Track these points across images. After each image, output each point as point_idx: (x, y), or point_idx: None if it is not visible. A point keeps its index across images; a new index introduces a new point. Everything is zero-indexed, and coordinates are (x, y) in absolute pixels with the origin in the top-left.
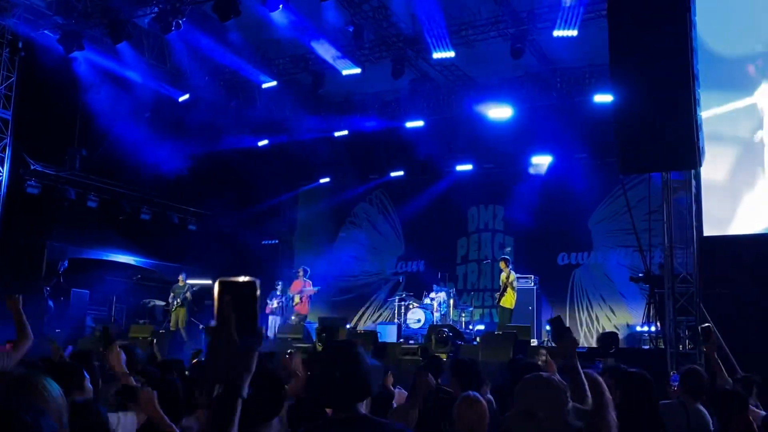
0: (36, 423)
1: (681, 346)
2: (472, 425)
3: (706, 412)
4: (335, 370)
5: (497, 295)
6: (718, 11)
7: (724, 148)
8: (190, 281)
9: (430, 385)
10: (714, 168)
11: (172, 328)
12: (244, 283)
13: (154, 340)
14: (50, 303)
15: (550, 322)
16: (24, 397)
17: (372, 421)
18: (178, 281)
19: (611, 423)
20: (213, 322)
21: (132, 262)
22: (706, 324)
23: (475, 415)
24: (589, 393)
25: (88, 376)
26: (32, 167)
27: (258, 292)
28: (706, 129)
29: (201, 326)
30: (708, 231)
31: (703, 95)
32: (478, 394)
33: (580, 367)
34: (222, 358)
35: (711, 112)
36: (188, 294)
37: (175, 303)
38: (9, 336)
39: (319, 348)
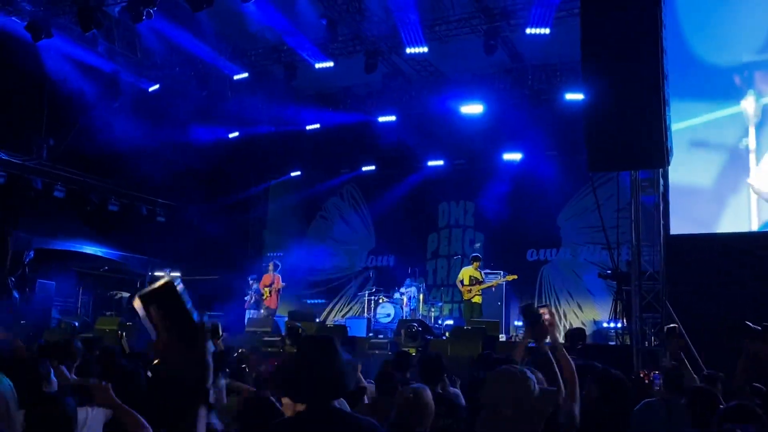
0: None
1: (647, 343)
2: (409, 415)
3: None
4: (312, 365)
5: (469, 288)
6: (707, 22)
7: (711, 155)
8: (158, 273)
9: None
10: (701, 173)
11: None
12: (161, 287)
13: (123, 333)
14: (15, 294)
15: (522, 309)
16: None
17: (345, 416)
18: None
19: (575, 413)
20: (153, 336)
21: (99, 254)
22: (672, 324)
23: (411, 406)
24: (560, 378)
25: (52, 370)
26: None
27: (179, 287)
28: (694, 136)
29: None
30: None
31: (692, 103)
32: (422, 386)
33: (552, 353)
34: (177, 365)
35: (699, 119)
36: None
37: None
38: None
39: (288, 343)
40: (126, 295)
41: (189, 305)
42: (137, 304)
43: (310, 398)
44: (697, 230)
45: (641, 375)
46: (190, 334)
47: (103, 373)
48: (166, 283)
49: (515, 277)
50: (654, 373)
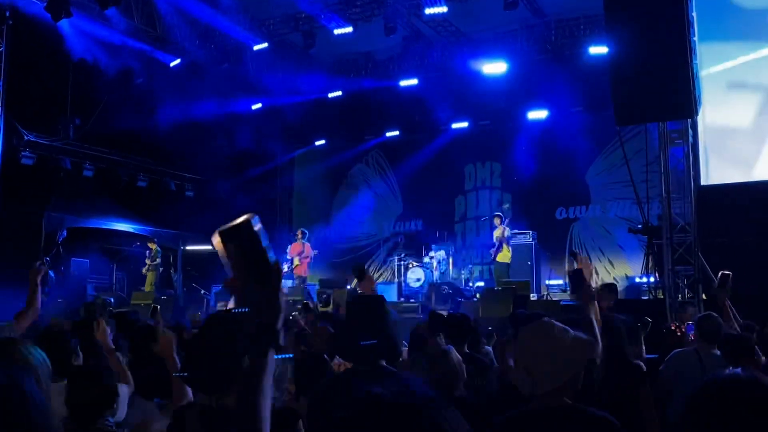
0: (12, 383)
1: (680, 296)
2: (441, 377)
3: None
4: (363, 324)
5: (492, 251)
6: None
7: (748, 96)
8: (189, 247)
9: None
10: (738, 114)
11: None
12: (240, 224)
13: (158, 307)
14: (51, 273)
15: (570, 274)
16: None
17: (394, 374)
18: (150, 247)
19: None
20: (228, 275)
21: (131, 230)
22: (726, 272)
23: (440, 366)
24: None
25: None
26: (26, 138)
27: (257, 227)
28: (730, 78)
29: (202, 291)
30: (732, 174)
31: (729, 45)
32: (448, 348)
33: (594, 322)
34: (252, 307)
35: (736, 61)
36: (154, 259)
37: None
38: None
39: (321, 309)
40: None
41: (265, 244)
42: (216, 240)
43: (360, 358)
44: (737, 171)
45: (673, 327)
46: (265, 273)
47: (120, 335)
48: (245, 220)
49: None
50: (688, 324)
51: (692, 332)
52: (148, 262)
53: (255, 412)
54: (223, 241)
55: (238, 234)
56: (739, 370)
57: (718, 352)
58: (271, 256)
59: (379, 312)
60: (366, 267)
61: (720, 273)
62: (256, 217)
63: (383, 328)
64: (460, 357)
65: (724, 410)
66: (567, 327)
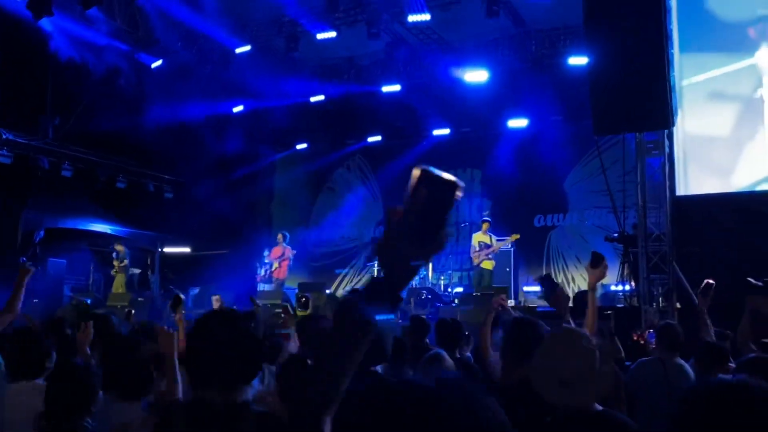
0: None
1: (654, 304)
2: None
3: (685, 365)
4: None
5: (481, 253)
6: None
7: (727, 106)
8: (167, 249)
9: None
10: (717, 123)
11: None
12: (447, 181)
13: (132, 311)
14: None
15: (540, 280)
16: None
17: (388, 380)
18: (117, 249)
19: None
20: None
21: (109, 231)
22: (711, 281)
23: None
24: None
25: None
26: (3, 137)
27: (458, 195)
28: (711, 87)
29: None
30: (711, 183)
31: (708, 56)
32: (442, 352)
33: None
34: (396, 252)
35: (715, 72)
36: (122, 261)
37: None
38: None
39: (300, 314)
40: (136, 271)
41: (448, 217)
42: (416, 173)
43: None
44: (716, 180)
45: (635, 337)
46: (431, 236)
47: (98, 340)
48: (454, 182)
49: (517, 236)
50: (648, 332)
51: (653, 340)
52: (115, 263)
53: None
54: (421, 179)
55: (440, 188)
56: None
57: (681, 361)
58: (449, 230)
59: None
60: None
61: (705, 281)
62: (462, 184)
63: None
64: (452, 361)
65: (727, 415)
66: (586, 333)
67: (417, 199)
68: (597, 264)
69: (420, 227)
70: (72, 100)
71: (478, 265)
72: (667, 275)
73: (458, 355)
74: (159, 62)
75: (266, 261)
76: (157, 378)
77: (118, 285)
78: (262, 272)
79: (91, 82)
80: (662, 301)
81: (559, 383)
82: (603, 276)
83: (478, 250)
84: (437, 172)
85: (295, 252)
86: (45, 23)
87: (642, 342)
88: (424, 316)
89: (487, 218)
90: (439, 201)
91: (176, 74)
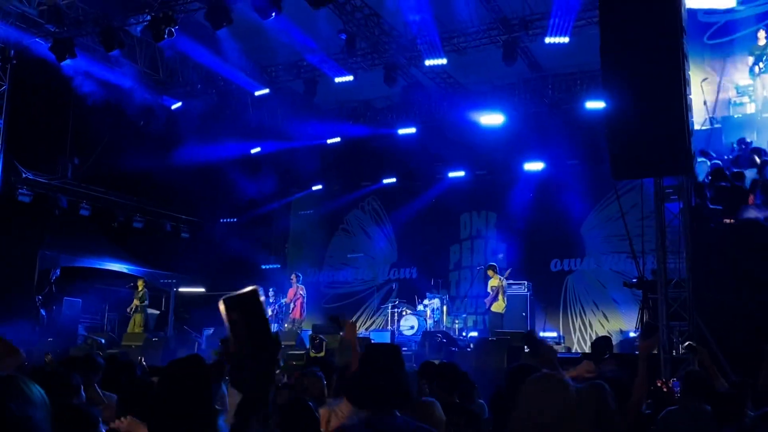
0: (22, 412)
1: (674, 351)
2: None
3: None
4: (380, 372)
5: (487, 300)
6: None
7: None
8: (182, 289)
9: None
10: None
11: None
12: (245, 295)
13: (141, 359)
14: (42, 312)
15: (525, 339)
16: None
17: (410, 423)
18: (137, 286)
19: None
20: (228, 336)
21: (125, 270)
22: (687, 343)
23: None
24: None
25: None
26: (24, 175)
27: (262, 298)
28: None
29: (193, 334)
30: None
31: None
32: (431, 400)
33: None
34: (246, 373)
35: None
36: (142, 300)
37: (131, 309)
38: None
39: (313, 355)
40: (153, 312)
41: (266, 317)
42: (222, 307)
43: (376, 404)
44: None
45: (659, 384)
46: (265, 344)
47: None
48: (252, 291)
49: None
50: (673, 380)
51: (678, 388)
52: (136, 302)
53: None
54: (228, 308)
55: (243, 303)
56: None
57: (708, 407)
58: (273, 328)
59: (397, 360)
60: (339, 316)
61: (687, 344)
62: (261, 288)
63: (401, 375)
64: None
65: None
66: (568, 379)
67: (237, 325)
68: (650, 335)
69: (255, 339)
70: (92, 140)
71: (489, 309)
72: (686, 322)
73: (457, 401)
74: (179, 104)
75: (270, 300)
76: None
77: (136, 324)
78: (269, 312)
79: (111, 123)
80: (682, 349)
81: (537, 428)
82: (654, 347)
83: (491, 295)
84: (235, 293)
85: (304, 291)
86: (67, 65)
87: (665, 389)
88: (436, 361)
89: (491, 263)
90: (251, 312)
91: (196, 116)
